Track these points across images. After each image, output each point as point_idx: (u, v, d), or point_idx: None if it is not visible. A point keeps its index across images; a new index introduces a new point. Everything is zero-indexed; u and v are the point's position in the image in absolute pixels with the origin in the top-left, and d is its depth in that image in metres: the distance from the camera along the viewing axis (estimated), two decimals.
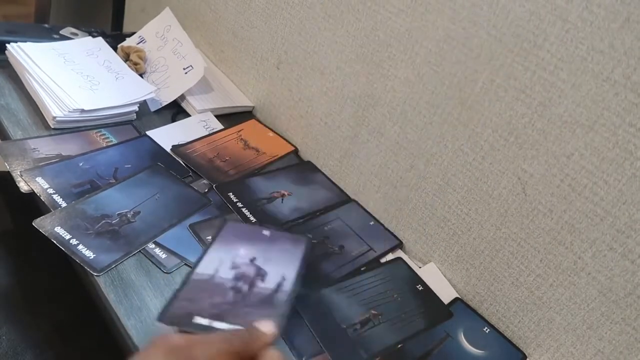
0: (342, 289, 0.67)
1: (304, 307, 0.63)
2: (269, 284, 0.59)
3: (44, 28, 0.96)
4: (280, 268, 0.61)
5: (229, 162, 0.83)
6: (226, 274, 0.59)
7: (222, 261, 0.61)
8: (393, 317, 0.66)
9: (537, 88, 0.60)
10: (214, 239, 0.65)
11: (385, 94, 0.76)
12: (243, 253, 0.63)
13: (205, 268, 0.60)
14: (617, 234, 0.57)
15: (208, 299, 0.55)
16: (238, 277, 0.59)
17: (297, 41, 0.87)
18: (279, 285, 0.58)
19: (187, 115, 0.92)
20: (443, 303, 0.71)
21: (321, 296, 0.65)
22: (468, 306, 0.72)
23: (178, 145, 0.83)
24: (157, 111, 0.90)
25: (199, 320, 0.52)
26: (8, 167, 0.68)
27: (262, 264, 0.61)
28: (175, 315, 0.53)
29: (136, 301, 0.57)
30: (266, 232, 0.67)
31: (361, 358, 0.59)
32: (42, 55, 0.83)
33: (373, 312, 0.66)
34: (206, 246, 0.64)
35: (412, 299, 0.69)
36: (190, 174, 0.78)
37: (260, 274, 0.60)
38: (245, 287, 0.58)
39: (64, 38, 0.93)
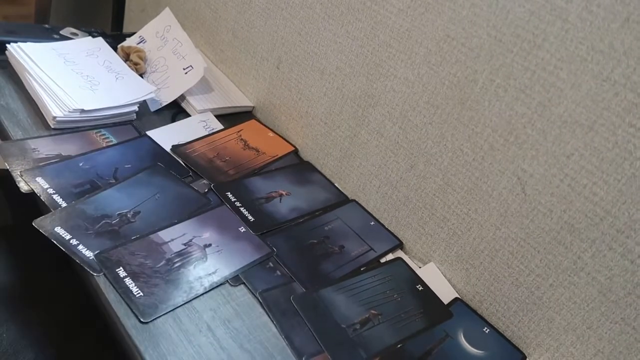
0: (342, 288, 0.67)
1: (304, 307, 0.63)
2: (199, 270, 0.61)
3: (44, 28, 0.96)
4: (222, 263, 0.63)
5: (228, 162, 0.83)
6: (175, 247, 0.63)
7: (182, 235, 0.64)
8: (393, 317, 0.66)
9: (537, 88, 0.60)
10: (194, 215, 0.68)
11: (385, 94, 0.76)
12: (205, 237, 0.66)
13: (165, 234, 0.63)
14: (617, 234, 0.57)
15: (141, 259, 0.59)
16: (181, 254, 0.61)
17: (297, 41, 0.87)
18: (204, 276, 0.61)
19: (187, 115, 0.92)
20: (443, 303, 0.71)
21: (321, 296, 0.65)
22: (468, 306, 0.72)
23: (178, 145, 0.83)
24: (157, 111, 0.91)
25: (120, 271, 0.57)
26: (8, 168, 0.68)
27: (211, 252, 0.64)
28: (107, 258, 0.58)
29: None
30: (242, 229, 0.69)
31: (361, 358, 0.59)
32: (42, 55, 0.83)
33: (373, 312, 0.66)
34: (185, 218, 0.67)
35: (411, 299, 0.69)
36: (190, 174, 0.78)
37: (201, 260, 0.62)
38: (177, 264, 0.60)
39: (64, 38, 0.93)
